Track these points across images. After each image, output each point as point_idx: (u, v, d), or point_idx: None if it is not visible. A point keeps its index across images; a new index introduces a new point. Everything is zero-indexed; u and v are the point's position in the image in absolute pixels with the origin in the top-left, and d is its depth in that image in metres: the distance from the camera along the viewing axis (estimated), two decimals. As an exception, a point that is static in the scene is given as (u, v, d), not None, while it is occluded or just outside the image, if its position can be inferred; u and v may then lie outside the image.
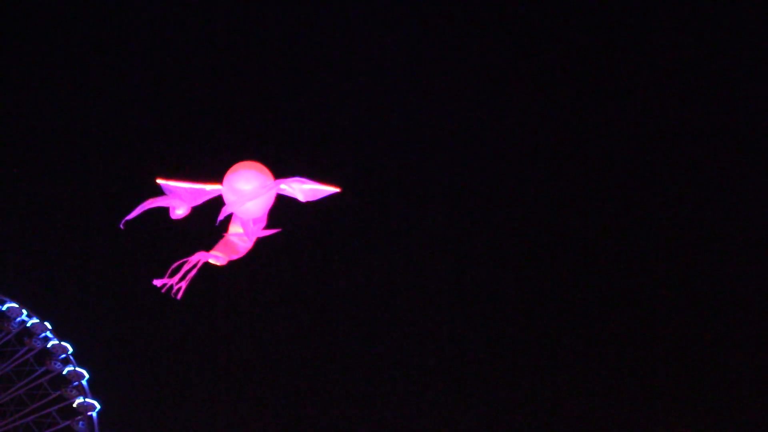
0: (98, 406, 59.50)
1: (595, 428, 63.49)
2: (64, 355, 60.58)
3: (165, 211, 21.66)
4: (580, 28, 66.89)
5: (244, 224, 21.99)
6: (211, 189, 21.58)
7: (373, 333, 67.44)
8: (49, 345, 60.58)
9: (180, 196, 21.60)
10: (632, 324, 66.35)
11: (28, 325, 60.65)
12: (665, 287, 66.33)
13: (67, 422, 59.37)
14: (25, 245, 67.18)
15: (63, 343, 60.67)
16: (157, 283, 21.64)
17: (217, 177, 21.74)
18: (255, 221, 22.05)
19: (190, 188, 21.53)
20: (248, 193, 21.16)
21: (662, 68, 66.85)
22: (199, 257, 21.82)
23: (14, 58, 65.74)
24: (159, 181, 21.43)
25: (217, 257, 21.94)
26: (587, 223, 67.27)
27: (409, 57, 66.12)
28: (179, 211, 21.76)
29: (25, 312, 60.76)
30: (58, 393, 59.98)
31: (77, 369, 60.30)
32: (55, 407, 59.84)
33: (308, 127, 65.74)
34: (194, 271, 21.76)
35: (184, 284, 21.70)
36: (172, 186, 21.51)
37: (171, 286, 21.64)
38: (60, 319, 61.80)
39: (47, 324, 60.90)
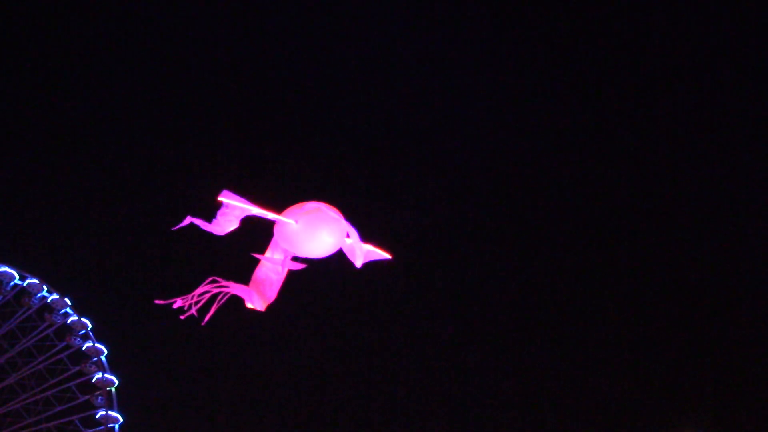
0: (117, 382, 59.88)
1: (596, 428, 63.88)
2: (83, 331, 60.92)
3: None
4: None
5: (285, 255, 21.27)
6: (273, 217, 20.53)
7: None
8: (69, 321, 60.94)
9: (235, 213, 20.62)
10: (638, 326, 66.60)
11: (49, 300, 61.07)
12: (667, 289, 66.53)
13: (86, 397, 59.75)
14: (46, 222, 67.73)
15: (83, 319, 61.08)
16: (179, 303, 21.17)
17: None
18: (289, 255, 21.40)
19: (251, 210, 20.43)
20: (324, 242, 20.37)
21: (663, 69, 66.69)
22: (228, 289, 21.08)
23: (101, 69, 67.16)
24: (221, 198, 20.40)
25: (253, 300, 21.37)
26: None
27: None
28: (228, 228, 20.82)
29: (45, 288, 61.17)
30: (78, 368, 60.38)
31: (96, 345, 60.65)
32: (75, 382, 60.25)
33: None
34: (220, 300, 21.10)
35: (209, 314, 21.00)
36: (233, 203, 20.42)
37: (187, 308, 20.81)
38: (80, 295, 62.28)
39: (67, 300, 61.28)
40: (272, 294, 21.58)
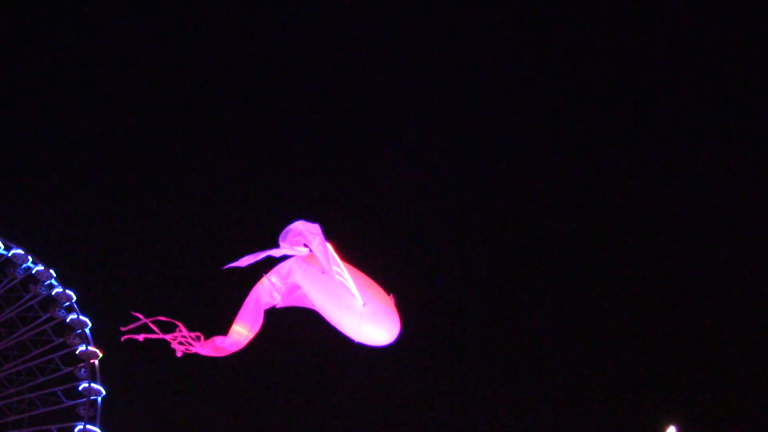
0: (100, 355, 59.82)
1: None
2: (68, 303, 60.80)
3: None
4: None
5: (289, 290, 20.91)
6: (344, 281, 19.50)
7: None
8: (53, 292, 60.80)
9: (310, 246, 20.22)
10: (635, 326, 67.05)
11: (34, 272, 60.91)
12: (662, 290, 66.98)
13: (69, 369, 59.71)
14: (33, 194, 67.52)
15: (67, 291, 60.98)
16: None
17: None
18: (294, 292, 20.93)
19: (334, 262, 19.69)
20: (374, 336, 19.52)
21: (664, 71, 66.81)
22: (197, 350, 20.99)
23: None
24: (317, 226, 20.08)
25: (227, 347, 21.06)
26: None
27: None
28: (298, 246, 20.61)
29: (30, 258, 61.02)
30: (61, 340, 60.32)
31: (80, 317, 60.56)
32: (58, 354, 60.18)
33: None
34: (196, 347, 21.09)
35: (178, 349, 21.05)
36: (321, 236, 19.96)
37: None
38: (65, 267, 62.15)
39: (52, 271, 61.11)
40: (257, 322, 21.16)
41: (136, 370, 63.67)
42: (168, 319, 20.87)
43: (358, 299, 19.39)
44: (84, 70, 69.42)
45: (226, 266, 20.70)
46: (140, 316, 20.70)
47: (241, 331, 21.08)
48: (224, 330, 21.82)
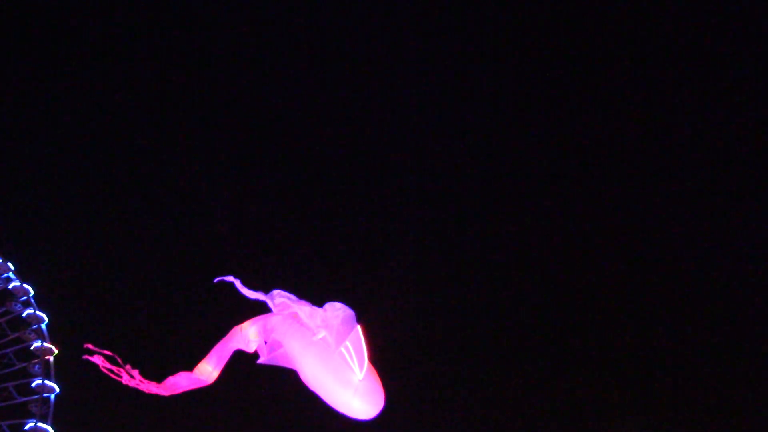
0: (56, 352, 59.09)
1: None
2: (25, 298, 60.06)
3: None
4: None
5: (270, 347, 20.71)
6: (350, 355, 19.32)
7: None
8: (10, 286, 60.03)
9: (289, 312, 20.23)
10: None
11: (-10, 264, 60.15)
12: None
13: (23, 364, 58.94)
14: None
15: (25, 285, 60.13)
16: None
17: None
18: (277, 347, 20.83)
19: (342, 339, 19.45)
20: (357, 410, 19.39)
21: (661, 71, 67.39)
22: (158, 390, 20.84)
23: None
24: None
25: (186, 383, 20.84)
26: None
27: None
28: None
29: (-13, 251, 60.26)
30: (17, 335, 59.53)
31: (37, 312, 59.80)
32: (12, 349, 59.36)
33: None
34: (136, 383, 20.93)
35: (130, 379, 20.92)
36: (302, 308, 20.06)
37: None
38: (23, 261, 61.29)
39: (10, 264, 60.29)
40: (221, 363, 21.02)
41: (92, 368, 62.69)
42: (123, 366, 20.62)
43: (358, 374, 19.21)
44: (32, 62, 68.61)
45: (241, 286, 20.95)
46: (95, 348, 20.39)
47: (207, 369, 20.98)
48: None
